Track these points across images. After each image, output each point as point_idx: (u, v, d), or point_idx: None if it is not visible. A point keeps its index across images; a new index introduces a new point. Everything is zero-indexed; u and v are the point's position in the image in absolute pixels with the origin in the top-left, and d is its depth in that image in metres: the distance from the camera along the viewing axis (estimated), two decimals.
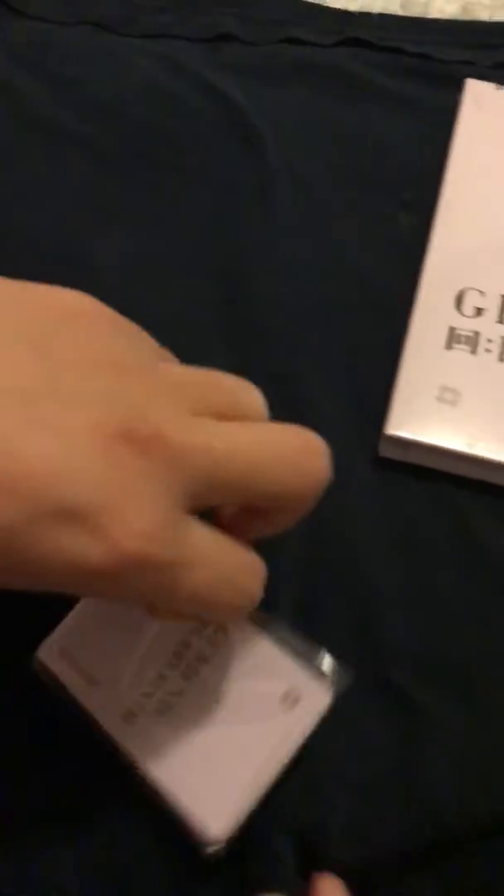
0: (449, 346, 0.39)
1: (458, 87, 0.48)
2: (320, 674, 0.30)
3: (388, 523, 0.36)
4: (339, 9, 0.51)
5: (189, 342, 0.39)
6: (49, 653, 0.30)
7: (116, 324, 0.26)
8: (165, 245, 0.42)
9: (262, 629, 0.31)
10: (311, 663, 0.30)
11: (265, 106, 0.46)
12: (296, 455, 0.25)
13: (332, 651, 0.32)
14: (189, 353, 0.39)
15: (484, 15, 0.54)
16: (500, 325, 0.39)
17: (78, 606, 0.31)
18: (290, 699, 0.29)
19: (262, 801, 0.29)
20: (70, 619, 0.30)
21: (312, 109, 0.47)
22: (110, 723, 0.29)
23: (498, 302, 0.40)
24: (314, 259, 0.42)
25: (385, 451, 0.38)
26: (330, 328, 0.40)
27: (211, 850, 0.28)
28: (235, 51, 0.49)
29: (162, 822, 0.29)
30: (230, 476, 0.24)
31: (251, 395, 0.27)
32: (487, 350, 0.39)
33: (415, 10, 0.53)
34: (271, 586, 0.34)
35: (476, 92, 0.48)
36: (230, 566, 0.25)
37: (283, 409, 0.38)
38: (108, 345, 0.24)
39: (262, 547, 0.35)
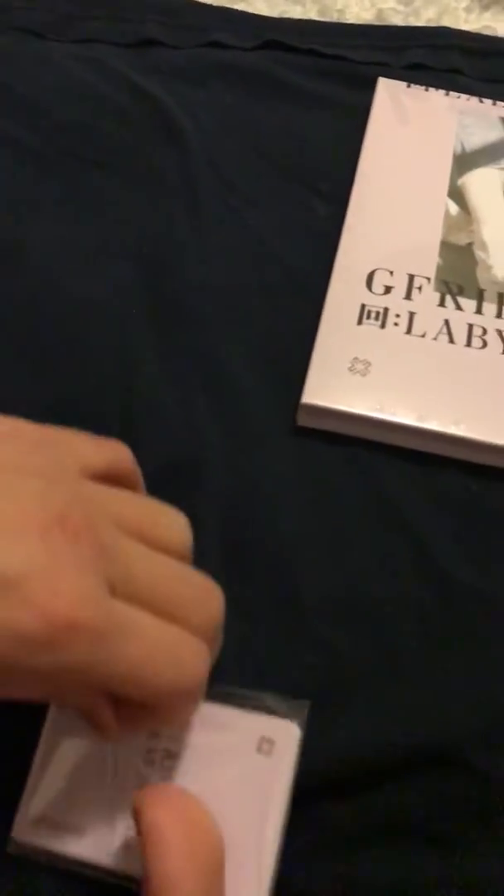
0: (360, 321, 0.41)
1: (372, 87, 0.52)
2: (277, 710, 0.30)
3: (305, 485, 0.38)
4: (258, 14, 0.54)
5: (114, 323, 0.42)
6: (27, 829, 0.28)
7: (41, 441, 0.27)
8: (91, 234, 0.44)
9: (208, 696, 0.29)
10: (264, 705, 0.31)
11: (188, 104, 0.49)
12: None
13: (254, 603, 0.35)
14: (114, 333, 0.41)
15: (397, 20, 0.57)
16: (407, 300, 0.42)
17: (33, 768, 0.29)
18: (265, 746, 0.30)
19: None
20: (31, 783, 0.29)
21: (233, 107, 0.50)
22: (112, 858, 0.28)
23: (405, 280, 0.43)
24: (235, 245, 0.45)
25: (302, 420, 0.40)
26: (250, 309, 0.43)
27: None
28: (160, 54, 0.52)
29: None
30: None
31: (176, 531, 0.28)
32: (395, 324, 0.41)
33: (331, 17, 0.56)
34: (198, 549, 0.36)
35: (388, 90, 0.52)
36: (167, 640, 0.25)
37: (205, 385, 0.40)
38: (36, 459, 0.26)
39: (186, 515, 0.37)
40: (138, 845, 0.26)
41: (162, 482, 0.37)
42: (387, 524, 0.38)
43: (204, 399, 0.40)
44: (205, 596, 0.27)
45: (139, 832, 0.26)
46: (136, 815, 0.26)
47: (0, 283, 0.42)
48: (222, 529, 0.37)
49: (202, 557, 0.36)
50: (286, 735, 0.30)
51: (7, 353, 0.40)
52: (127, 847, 0.28)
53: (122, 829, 0.28)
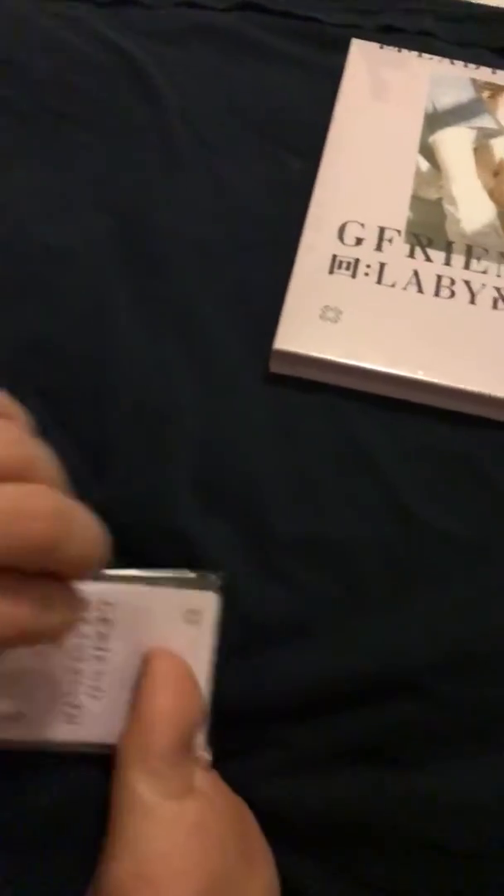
0: (331, 271, 0.42)
1: (345, 49, 0.52)
2: (198, 584, 0.33)
3: (276, 429, 0.39)
4: None
5: (87, 271, 0.42)
6: None
7: None
8: (66, 185, 0.44)
9: (133, 584, 0.33)
10: (186, 581, 0.33)
11: (163, 62, 0.49)
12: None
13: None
14: (86, 279, 0.42)
15: None
16: (377, 252, 0.43)
17: None
18: (192, 616, 0.33)
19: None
20: None
21: (208, 65, 0.50)
22: (58, 733, 0.31)
23: (376, 232, 0.44)
24: (208, 197, 0.45)
25: (274, 367, 0.41)
26: (223, 259, 0.43)
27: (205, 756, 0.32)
28: (136, 14, 0.52)
29: None
30: None
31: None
32: (366, 274, 0.42)
33: None
34: (170, 489, 0.37)
35: (362, 51, 0.52)
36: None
37: (177, 332, 0.41)
38: None
39: (158, 453, 0.38)
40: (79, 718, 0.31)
41: (134, 422, 0.38)
42: (356, 467, 0.39)
43: (175, 345, 0.40)
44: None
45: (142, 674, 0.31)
46: (144, 664, 0.31)
47: None
48: (195, 468, 0.37)
49: (173, 495, 0.37)
50: (209, 604, 0.33)
51: None
52: (71, 719, 0.32)
53: (66, 709, 0.32)
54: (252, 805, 0.32)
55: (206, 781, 0.31)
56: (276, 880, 0.31)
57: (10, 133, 0.46)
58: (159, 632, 0.32)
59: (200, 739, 0.32)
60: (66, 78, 0.48)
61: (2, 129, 0.46)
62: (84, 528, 0.24)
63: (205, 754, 0.32)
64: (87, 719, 0.32)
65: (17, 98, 0.47)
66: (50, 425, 0.37)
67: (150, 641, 0.32)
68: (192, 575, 0.33)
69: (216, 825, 0.30)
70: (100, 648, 0.32)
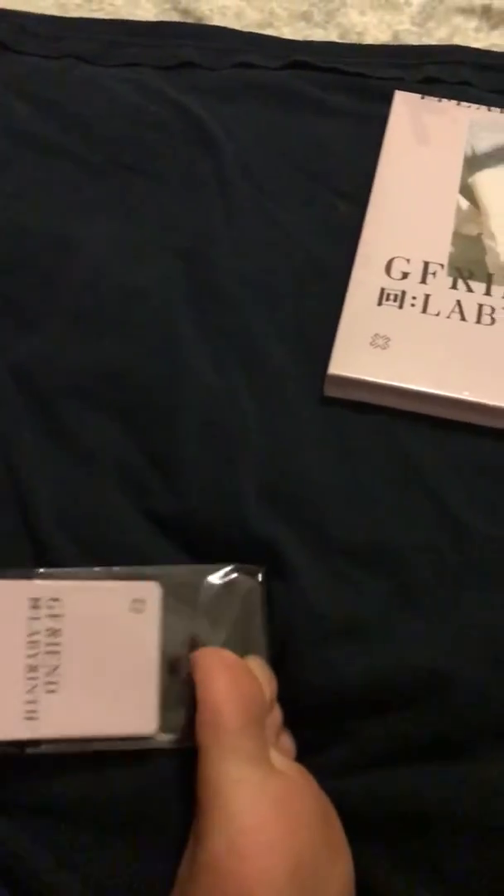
0: (380, 302, 0.46)
1: (389, 100, 0.57)
2: (141, 576, 0.36)
3: (332, 446, 0.43)
4: (285, 38, 0.60)
5: (158, 306, 0.47)
6: None
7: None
8: (138, 230, 0.49)
9: (80, 579, 0.36)
10: (132, 574, 0.36)
11: (221, 117, 0.54)
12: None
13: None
14: (158, 315, 0.46)
15: (412, 40, 0.62)
16: (422, 284, 0.47)
17: None
18: (138, 605, 0.35)
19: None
20: None
21: (262, 119, 0.55)
22: (17, 731, 0.33)
23: (421, 267, 0.47)
24: (266, 238, 0.49)
25: (329, 391, 0.44)
26: (280, 295, 0.48)
27: (161, 738, 0.34)
28: (196, 75, 0.57)
29: None
30: None
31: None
32: (412, 305, 0.46)
33: (351, 39, 0.61)
34: (239, 499, 0.40)
35: (404, 101, 0.57)
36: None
37: (240, 360, 0.45)
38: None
39: (226, 468, 0.41)
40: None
41: (203, 440, 0.42)
42: (407, 480, 0.42)
43: (239, 371, 0.45)
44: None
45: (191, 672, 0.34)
46: (191, 664, 0.34)
47: (59, 273, 0.47)
48: (260, 481, 0.41)
49: (242, 505, 0.40)
50: (151, 594, 0.35)
51: (67, 331, 0.45)
52: (31, 715, 0.33)
53: (26, 707, 0.33)
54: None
55: (288, 766, 0.33)
56: (353, 874, 0.33)
57: (90, 187, 0.51)
58: (108, 622, 0.35)
59: (274, 722, 0.35)
60: (136, 135, 0.53)
61: (82, 183, 0.51)
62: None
63: (286, 738, 0.35)
64: (48, 714, 0.33)
65: (94, 155, 0.52)
66: (129, 443, 0.42)
67: (100, 631, 0.34)
68: (135, 569, 0.37)
69: (300, 805, 0.32)
70: (53, 644, 0.34)
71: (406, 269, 0.47)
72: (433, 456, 0.43)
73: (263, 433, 0.43)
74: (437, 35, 0.62)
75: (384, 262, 0.48)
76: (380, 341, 0.45)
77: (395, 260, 0.48)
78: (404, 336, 0.45)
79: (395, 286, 0.47)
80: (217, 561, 0.38)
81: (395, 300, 0.46)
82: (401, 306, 0.46)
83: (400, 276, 0.47)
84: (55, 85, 0.55)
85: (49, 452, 0.41)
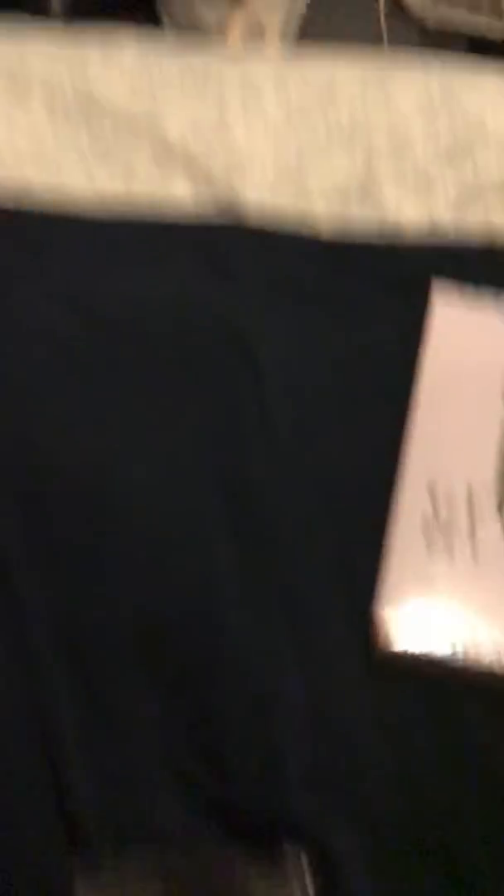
0: (428, 546, 0.44)
1: (429, 296, 0.54)
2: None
3: (380, 719, 0.41)
4: (327, 241, 0.57)
5: (197, 532, 0.45)
6: None
7: None
8: (174, 457, 0.47)
9: None
10: None
11: (262, 327, 0.52)
12: None
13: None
14: (196, 539, 0.44)
15: (448, 218, 0.60)
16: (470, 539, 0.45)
17: None
18: None
19: None
20: None
21: (301, 325, 0.53)
22: None
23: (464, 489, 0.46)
24: (306, 468, 0.48)
25: (380, 657, 0.42)
26: (323, 530, 0.46)
27: None
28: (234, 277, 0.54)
29: None
30: None
31: None
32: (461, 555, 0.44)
33: (388, 218, 0.59)
34: (281, 783, 0.39)
35: (444, 298, 0.54)
36: None
37: (282, 609, 0.42)
38: None
39: (271, 738, 0.39)
40: None
41: (241, 711, 0.41)
42: (458, 764, 0.39)
43: (281, 626, 0.43)
44: None
45: None
46: None
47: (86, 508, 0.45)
48: (304, 760, 0.40)
49: (284, 789, 0.39)
50: None
51: (95, 572, 0.44)
52: None
53: None
54: None
55: None
56: None
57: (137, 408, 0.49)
58: None
59: None
60: (174, 354, 0.51)
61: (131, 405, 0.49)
62: None
63: None
64: None
65: (137, 368, 0.50)
66: (168, 723, 0.39)
67: None
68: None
69: None
70: None
71: (450, 493, 0.46)
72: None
73: (307, 704, 0.41)
74: (474, 219, 0.60)
75: (427, 486, 0.46)
76: (431, 602, 0.42)
77: (440, 482, 0.46)
78: (455, 595, 0.43)
79: (441, 518, 0.45)
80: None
81: (444, 549, 0.44)
82: (451, 556, 0.44)
83: (445, 503, 0.45)
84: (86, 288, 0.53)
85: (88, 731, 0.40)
